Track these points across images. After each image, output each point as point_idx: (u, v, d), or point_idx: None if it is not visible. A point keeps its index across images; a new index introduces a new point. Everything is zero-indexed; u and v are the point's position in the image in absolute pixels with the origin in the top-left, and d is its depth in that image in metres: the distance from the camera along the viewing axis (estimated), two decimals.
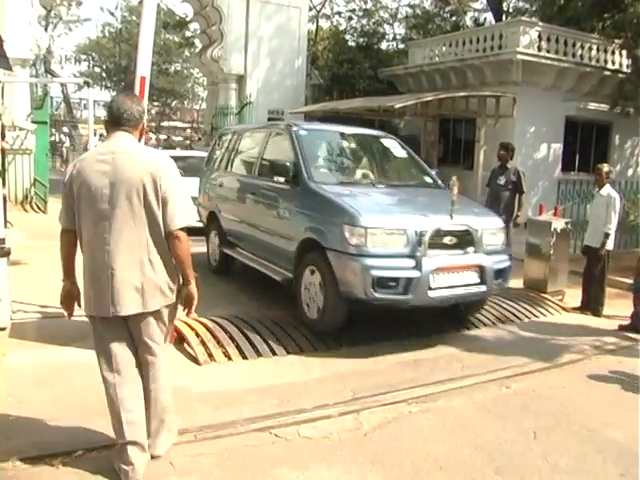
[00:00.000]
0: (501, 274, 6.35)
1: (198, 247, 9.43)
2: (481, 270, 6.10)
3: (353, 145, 8.19)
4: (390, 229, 5.79)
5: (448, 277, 5.92)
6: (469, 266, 6.07)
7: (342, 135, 8.16)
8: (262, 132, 8.47)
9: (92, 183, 3.36)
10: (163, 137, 42.36)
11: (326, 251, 5.94)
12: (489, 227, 6.41)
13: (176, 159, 12.07)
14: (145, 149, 3.65)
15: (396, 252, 5.77)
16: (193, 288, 3.57)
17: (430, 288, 5.78)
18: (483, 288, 6.16)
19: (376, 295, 5.61)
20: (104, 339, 3.55)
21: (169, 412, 3.79)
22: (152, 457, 3.67)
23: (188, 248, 3.49)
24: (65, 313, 3.68)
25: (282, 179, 6.90)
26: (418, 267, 5.70)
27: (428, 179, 7.83)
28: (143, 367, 3.63)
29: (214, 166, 9.50)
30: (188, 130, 49.29)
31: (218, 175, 9.18)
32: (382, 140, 8.37)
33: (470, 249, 6.10)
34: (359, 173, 7.56)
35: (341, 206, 6.02)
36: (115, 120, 3.51)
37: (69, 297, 3.61)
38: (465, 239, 6.11)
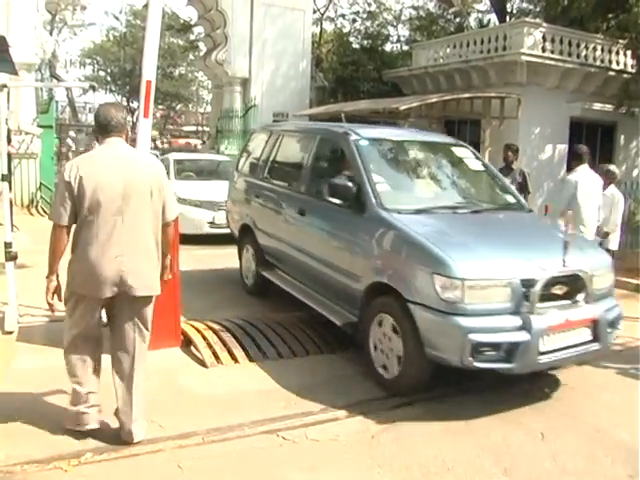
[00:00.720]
0: (614, 324, 5.19)
1: (226, 261, 9.35)
2: (594, 324, 4.94)
3: (422, 157, 6.81)
4: (492, 279, 4.64)
5: (559, 337, 4.77)
6: (582, 321, 4.89)
7: (408, 144, 6.86)
8: (309, 137, 7.20)
9: (109, 183, 3.76)
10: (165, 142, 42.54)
11: (408, 303, 4.79)
12: (599, 268, 5.21)
13: (192, 162, 11.46)
14: (145, 155, 4.25)
15: (498, 308, 4.62)
16: (168, 259, 4.25)
17: (540, 352, 4.65)
18: (596, 346, 4.98)
19: (475, 364, 4.51)
20: (83, 317, 3.94)
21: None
22: None
23: (173, 232, 4.30)
24: (51, 309, 3.95)
25: (341, 201, 5.82)
26: (526, 327, 4.54)
27: (511, 199, 6.57)
28: (127, 347, 4.05)
29: (247, 171, 8.43)
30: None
31: (253, 183, 8.03)
32: (453, 149, 7.06)
33: (580, 297, 4.91)
34: (436, 195, 6.23)
35: (428, 248, 4.80)
36: (104, 128, 3.94)
37: (56, 292, 3.93)
38: (575, 286, 4.92)
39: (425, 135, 7.61)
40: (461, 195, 6.43)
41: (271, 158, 7.80)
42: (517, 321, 4.57)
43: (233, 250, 8.64)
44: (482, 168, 6.91)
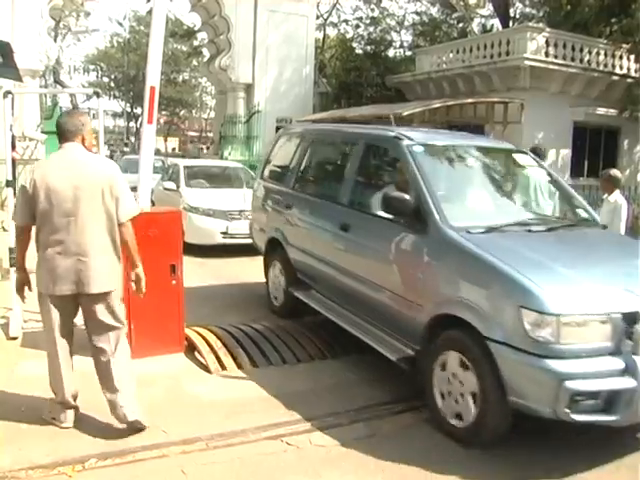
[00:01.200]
0: None
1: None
2: None
3: (483, 165, 6.01)
4: (590, 314, 3.88)
5: None
6: None
7: (466, 151, 5.97)
8: (352, 142, 6.40)
9: (58, 186, 3.97)
10: (172, 146, 42.59)
11: (486, 341, 4.03)
12: None
13: (203, 168, 11.18)
14: (99, 159, 4.33)
15: (596, 348, 3.87)
16: (141, 270, 4.30)
17: None
18: None
19: (573, 417, 3.79)
20: (49, 313, 4.13)
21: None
22: None
23: (133, 234, 4.21)
24: (22, 299, 4.32)
25: (395, 217, 5.02)
26: (630, 371, 3.79)
27: (583, 213, 5.81)
28: (93, 340, 4.20)
29: (274, 179, 7.65)
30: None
31: (282, 192, 7.17)
32: (515, 156, 6.33)
33: None
34: (503, 210, 5.49)
35: (512, 277, 4.04)
36: (61, 134, 4.20)
37: (26, 284, 4.29)
38: None
39: (481, 140, 6.96)
40: (530, 209, 5.78)
41: (304, 164, 7.07)
42: (619, 364, 3.82)
43: (249, 260, 8.52)
44: (548, 178, 6.17)
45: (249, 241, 9.66)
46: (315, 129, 8.01)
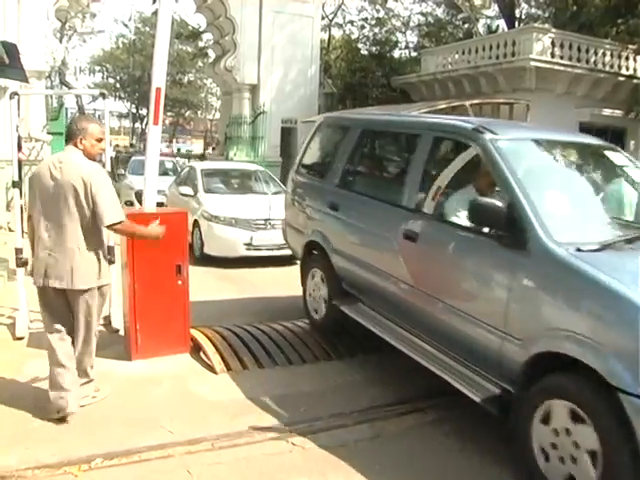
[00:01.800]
0: None
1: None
2: None
3: (576, 165, 5.10)
4: None
5: None
6: None
7: (560, 147, 5.06)
8: (417, 134, 5.34)
9: (44, 184, 4.28)
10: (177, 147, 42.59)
11: (617, 392, 3.11)
12: None
13: (223, 172, 12.25)
14: (84, 161, 4.37)
15: None
16: (147, 230, 4.69)
17: None
18: None
19: None
20: (43, 303, 4.46)
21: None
22: None
23: (128, 230, 4.55)
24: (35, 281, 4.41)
25: (482, 227, 4.19)
26: None
27: None
28: (76, 331, 4.45)
29: (314, 174, 6.88)
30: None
31: (323, 189, 6.33)
32: (608, 154, 5.36)
33: None
34: (611, 221, 4.51)
35: None
36: (65, 137, 4.56)
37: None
38: None
39: (571, 135, 6.03)
40: (635, 217, 5.00)
41: (353, 158, 6.19)
42: None
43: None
44: None
45: (276, 253, 9.99)
46: (368, 118, 7.04)
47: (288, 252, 8.01)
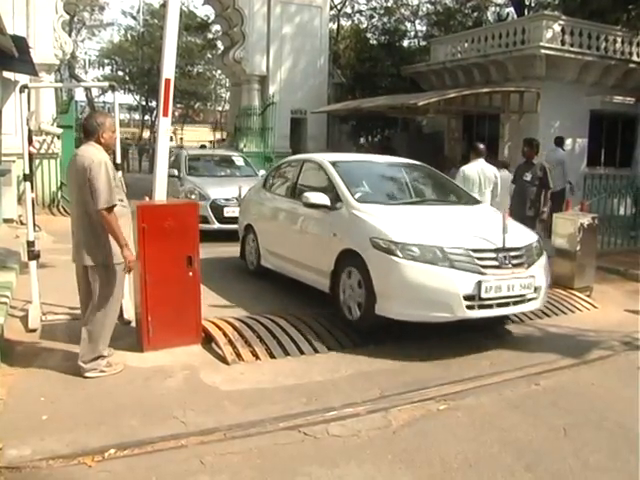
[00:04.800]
0: None
1: None
2: None
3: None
4: None
5: None
6: None
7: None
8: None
9: (69, 174, 5.12)
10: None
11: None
12: None
13: (370, 166, 8.31)
14: (91, 153, 4.93)
15: None
16: (127, 251, 4.92)
17: None
18: None
19: None
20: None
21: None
22: None
23: (111, 221, 4.83)
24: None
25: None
26: None
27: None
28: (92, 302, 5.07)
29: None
30: None
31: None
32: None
33: None
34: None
35: None
36: (84, 133, 5.17)
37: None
38: None
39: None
40: None
41: None
42: None
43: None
44: None
45: (513, 310, 6.32)
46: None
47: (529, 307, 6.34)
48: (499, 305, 5.90)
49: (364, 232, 6.14)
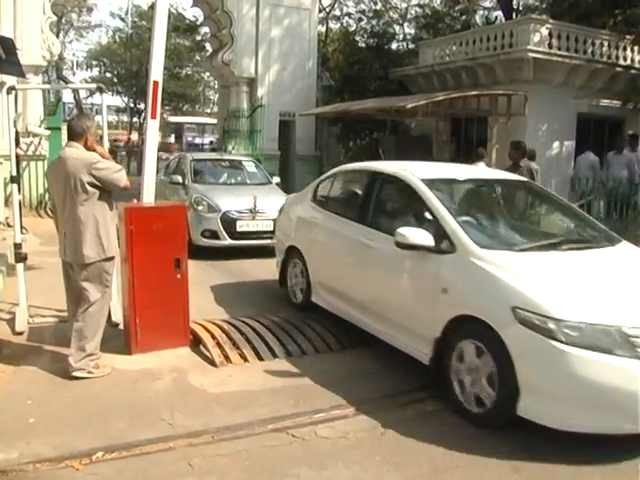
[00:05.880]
0: None
1: None
2: None
3: None
4: None
5: None
6: None
7: None
8: None
9: (54, 176, 5.17)
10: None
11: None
12: None
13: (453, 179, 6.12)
14: (80, 154, 5.02)
15: None
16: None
17: None
18: None
19: None
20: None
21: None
22: None
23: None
24: None
25: None
26: None
27: None
28: (81, 300, 5.11)
29: None
30: None
31: None
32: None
33: None
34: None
35: None
36: (67, 135, 5.31)
37: None
38: None
39: None
40: None
41: None
42: None
43: None
44: None
45: None
46: None
47: None
48: None
49: (501, 297, 4.30)
